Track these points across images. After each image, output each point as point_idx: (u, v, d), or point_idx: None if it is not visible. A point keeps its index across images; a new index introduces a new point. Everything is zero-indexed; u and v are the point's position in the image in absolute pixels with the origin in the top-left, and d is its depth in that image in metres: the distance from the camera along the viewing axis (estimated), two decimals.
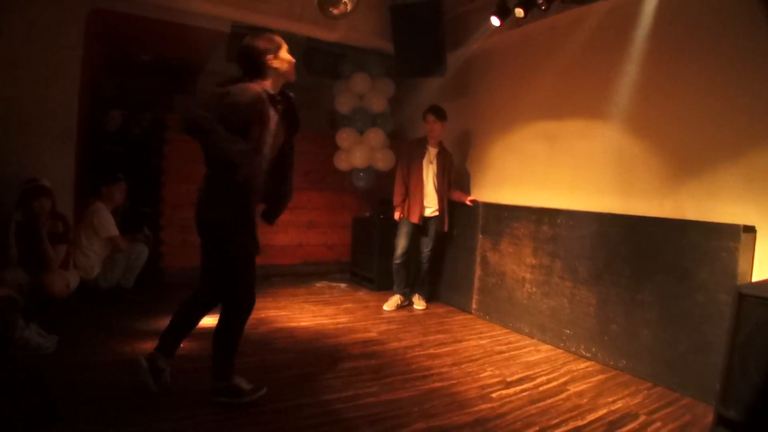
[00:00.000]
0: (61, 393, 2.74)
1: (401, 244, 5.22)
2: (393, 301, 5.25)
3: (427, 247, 5.32)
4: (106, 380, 2.94)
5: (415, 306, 5.36)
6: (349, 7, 4.49)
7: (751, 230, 3.12)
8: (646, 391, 3.33)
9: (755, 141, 3.18)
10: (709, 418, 2.84)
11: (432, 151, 5.22)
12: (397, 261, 5.27)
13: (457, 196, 5.31)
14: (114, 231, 4.66)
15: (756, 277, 3.12)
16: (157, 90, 6.65)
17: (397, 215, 5.29)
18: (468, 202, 5.22)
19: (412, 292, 5.46)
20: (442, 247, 5.49)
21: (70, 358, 3.23)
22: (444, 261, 5.59)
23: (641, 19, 3.86)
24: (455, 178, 5.47)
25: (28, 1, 4.08)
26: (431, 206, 5.19)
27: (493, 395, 3.14)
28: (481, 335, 4.45)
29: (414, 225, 5.18)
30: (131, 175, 5.07)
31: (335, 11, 4.52)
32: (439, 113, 5.14)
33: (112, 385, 2.88)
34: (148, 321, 4.14)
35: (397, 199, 5.26)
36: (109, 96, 6.24)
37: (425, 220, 5.21)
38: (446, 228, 5.28)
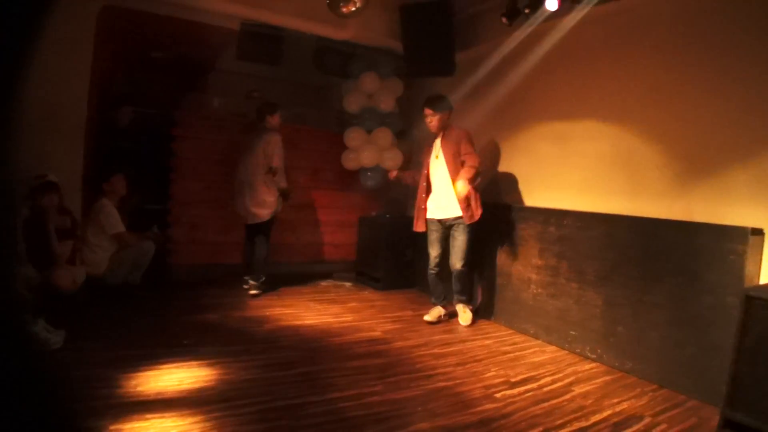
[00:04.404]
0: (67, 388, 2.75)
1: (432, 253, 4.76)
2: (434, 313, 4.76)
3: (457, 260, 4.60)
4: (112, 376, 2.95)
5: (459, 320, 4.77)
6: (359, 5, 4.48)
7: (759, 233, 3.09)
8: (651, 393, 3.31)
9: (766, 144, 3.15)
10: (715, 420, 2.82)
11: (437, 144, 4.70)
12: (432, 271, 4.80)
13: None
14: (120, 228, 4.67)
15: (764, 279, 3.09)
16: (169, 87, 6.68)
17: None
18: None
19: (452, 302, 4.90)
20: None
21: (76, 354, 3.24)
22: None
23: (653, 21, 3.85)
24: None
25: None
26: (449, 207, 4.58)
27: (498, 395, 3.13)
28: (487, 336, 4.44)
29: (443, 229, 4.70)
30: (140, 172, 5.08)
31: (345, 9, 4.52)
32: (434, 104, 4.63)
33: (118, 381, 2.89)
34: (154, 317, 4.16)
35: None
36: (120, 93, 6.28)
37: (449, 225, 4.66)
38: (477, 217, 4.52)
